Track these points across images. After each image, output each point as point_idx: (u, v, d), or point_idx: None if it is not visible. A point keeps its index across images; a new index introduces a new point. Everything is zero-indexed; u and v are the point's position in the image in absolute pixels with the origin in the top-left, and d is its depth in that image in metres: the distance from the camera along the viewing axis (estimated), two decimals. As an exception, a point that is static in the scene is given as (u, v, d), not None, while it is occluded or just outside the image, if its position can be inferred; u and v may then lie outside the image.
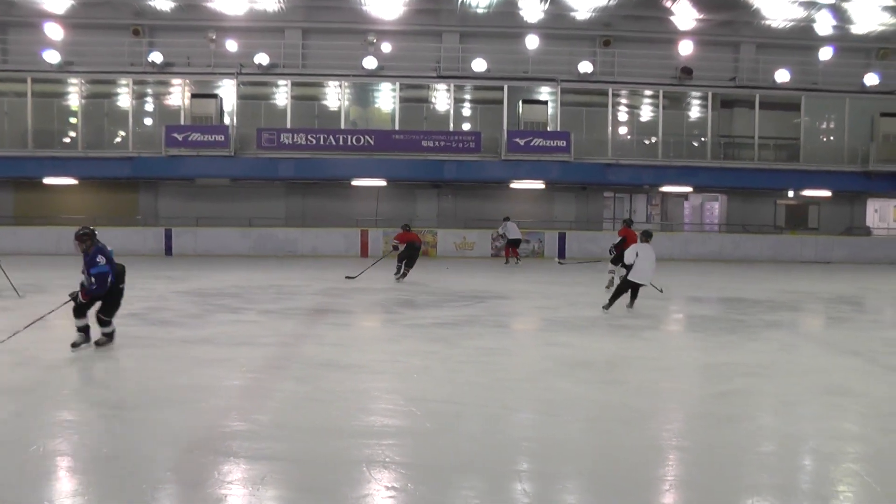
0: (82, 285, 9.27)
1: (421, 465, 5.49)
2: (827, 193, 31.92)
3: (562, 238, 28.91)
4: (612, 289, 15.02)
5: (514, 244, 26.20)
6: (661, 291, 15.83)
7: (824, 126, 32.04)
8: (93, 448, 5.81)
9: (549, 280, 20.53)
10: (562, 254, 28.43)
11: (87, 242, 9.28)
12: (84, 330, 9.48)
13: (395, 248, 19.91)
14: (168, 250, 27.92)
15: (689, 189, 32.04)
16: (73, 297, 9.23)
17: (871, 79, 30.98)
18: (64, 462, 5.57)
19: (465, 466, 5.55)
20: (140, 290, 16.43)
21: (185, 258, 25.50)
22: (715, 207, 34.42)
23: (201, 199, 29.90)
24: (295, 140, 28.04)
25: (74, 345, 9.34)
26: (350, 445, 5.89)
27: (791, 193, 32.43)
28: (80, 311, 9.41)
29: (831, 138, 31.85)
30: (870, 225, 34.02)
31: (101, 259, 9.09)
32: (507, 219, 26.62)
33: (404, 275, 19.43)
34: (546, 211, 31.25)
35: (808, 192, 31.85)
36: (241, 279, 19.32)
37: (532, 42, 30.15)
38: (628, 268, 14.05)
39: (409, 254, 19.60)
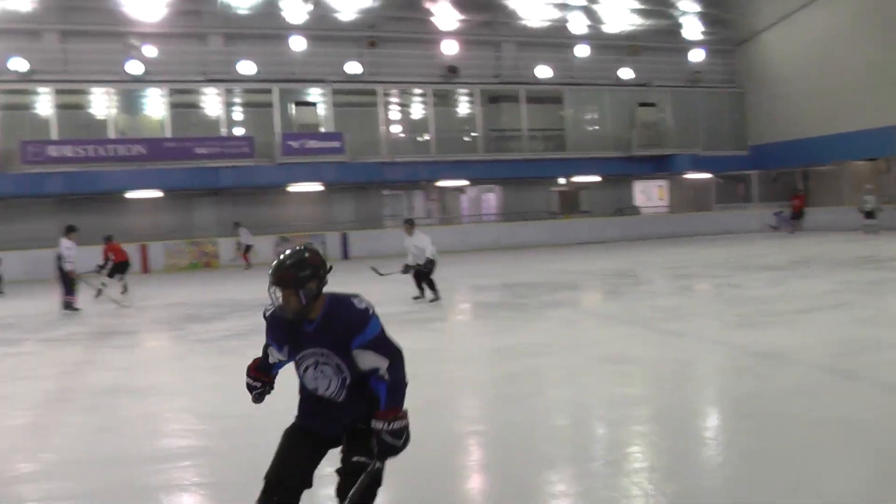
0: None
1: (218, 484, 5.39)
2: (596, 178, 33.84)
3: (344, 239, 28.94)
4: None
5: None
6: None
7: (587, 117, 33.84)
8: None
9: (335, 282, 20.44)
10: (345, 254, 28.49)
11: None
12: None
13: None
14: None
15: (464, 182, 32.86)
16: None
17: (625, 73, 33.44)
18: None
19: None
20: None
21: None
22: (491, 198, 35.54)
23: (-36, 223, 27.66)
24: (62, 152, 26.63)
25: None
26: (144, 472, 5.68)
27: (562, 180, 34.02)
28: None
29: (595, 128, 33.70)
30: (637, 204, 36.26)
31: None
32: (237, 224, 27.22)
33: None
34: (325, 212, 31.20)
35: (578, 179, 33.58)
36: (15, 308, 18.19)
37: (298, 43, 30.02)
38: None
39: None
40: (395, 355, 3.71)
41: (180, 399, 8.14)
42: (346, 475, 3.68)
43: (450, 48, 31.75)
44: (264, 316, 3.87)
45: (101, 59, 28.19)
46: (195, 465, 5.78)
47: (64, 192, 27.44)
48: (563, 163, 32.49)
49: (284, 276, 3.56)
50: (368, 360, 3.64)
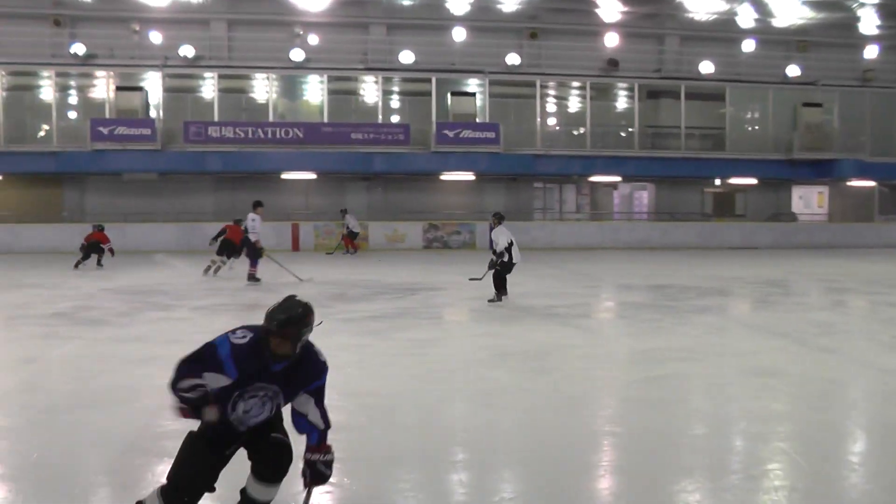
0: None
1: (356, 459, 5.49)
2: (753, 181, 32.66)
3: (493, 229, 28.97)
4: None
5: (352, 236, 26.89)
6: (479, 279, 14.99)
7: (749, 116, 32.74)
8: (23, 453, 5.68)
9: (480, 272, 20.58)
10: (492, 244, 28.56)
11: None
12: None
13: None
14: (95, 247, 27.39)
15: (617, 178, 32.43)
16: None
17: (792, 70, 31.89)
18: (-8, 468, 5.44)
19: (401, 459, 5.58)
20: (67, 288, 16.20)
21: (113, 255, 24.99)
22: (644, 196, 34.90)
23: (128, 194, 29.40)
24: (223, 133, 27.76)
25: None
26: (286, 441, 5.83)
27: (718, 181, 33.07)
28: None
29: (756, 128, 32.58)
30: (795, 211, 34.76)
31: None
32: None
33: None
34: (476, 202, 31.36)
35: (734, 180, 32.58)
36: (171, 276, 19.08)
37: (459, 34, 30.32)
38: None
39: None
40: (325, 408, 4.16)
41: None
42: (269, 447, 4.13)
43: (611, 41, 31.30)
44: (231, 342, 3.99)
45: (265, 47, 29.19)
46: (333, 439, 5.86)
47: (222, 170, 28.78)
48: (720, 163, 31.47)
49: (290, 333, 3.90)
50: (306, 403, 4.09)
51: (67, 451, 5.68)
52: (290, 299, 4.04)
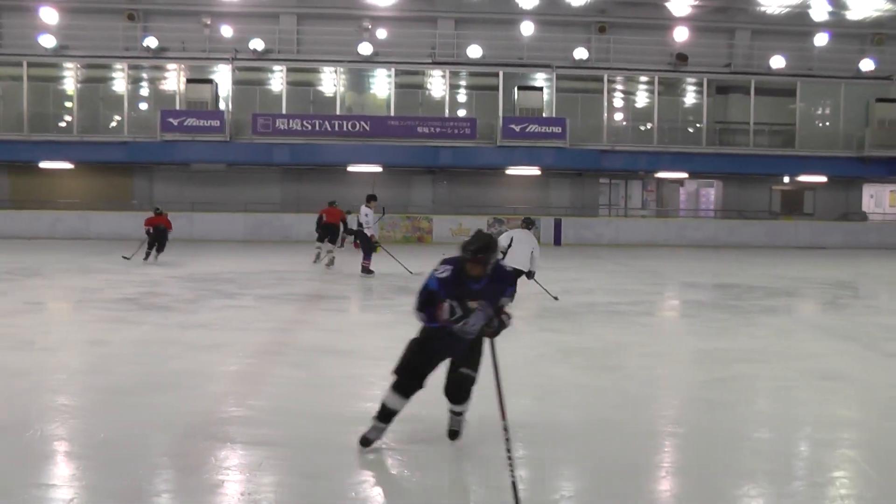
0: None
1: (416, 451, 5.51)
2: (822, 179, 31.94)
3: (557, 224, 28.93)
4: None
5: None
6: (557, 299, 13.91)
7: (820, 112, 32.05)
8: (89, 433, 5.81)
9: (543, 266, 20.51)
10: (557, 240, 28.47)
11: None
12: None
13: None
14: (163, 235, 27.94)
15: (684, 175, 32.01)
16: None
17: (866, 64, 30.99)
18: (61, 447, 5.58)
19: (461, 453, 5.57)
20: (135, 274, 16.47)
21: (181, 243, 25.32)
22: (710, 193, 34.42)
23: (196, 184, 29.95)
24: (290, 126, 28.10)
25: None
26: (346, 431, 5.82)
27: (786, 179, 32.45)
28: None
29: (827, 124, 31.88)
30: (866, 210, 33.95)
31: None
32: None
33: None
34: (541, 197, 31.26)
35: (803, 178, 31.90)
36: (237, 265, 19.33)
37: (527, 28, 30.18)
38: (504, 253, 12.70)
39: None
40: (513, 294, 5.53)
41: (385, 365, 8.25)
42: (454, 382, 5.56)
43: (680, 35, 30.85)
44: (437, 277, 5.19)
45: (333, 41, 29.39)
46: (393, 430, 5.77)
47: (289, 162, 29.16)
48: (789, 160, 30.82)
49: (481, 258, 5.05)
50: (504, 301, 5.33)
51: (132, 432, 5.78)
52: (479, 233, 5.23)
